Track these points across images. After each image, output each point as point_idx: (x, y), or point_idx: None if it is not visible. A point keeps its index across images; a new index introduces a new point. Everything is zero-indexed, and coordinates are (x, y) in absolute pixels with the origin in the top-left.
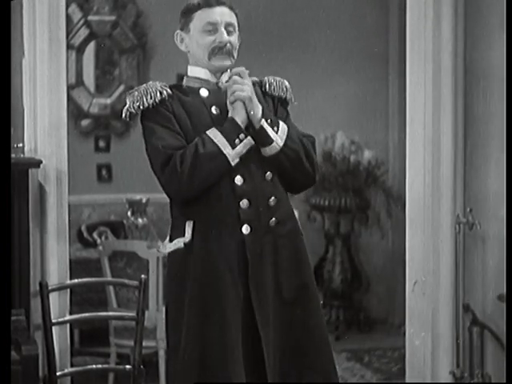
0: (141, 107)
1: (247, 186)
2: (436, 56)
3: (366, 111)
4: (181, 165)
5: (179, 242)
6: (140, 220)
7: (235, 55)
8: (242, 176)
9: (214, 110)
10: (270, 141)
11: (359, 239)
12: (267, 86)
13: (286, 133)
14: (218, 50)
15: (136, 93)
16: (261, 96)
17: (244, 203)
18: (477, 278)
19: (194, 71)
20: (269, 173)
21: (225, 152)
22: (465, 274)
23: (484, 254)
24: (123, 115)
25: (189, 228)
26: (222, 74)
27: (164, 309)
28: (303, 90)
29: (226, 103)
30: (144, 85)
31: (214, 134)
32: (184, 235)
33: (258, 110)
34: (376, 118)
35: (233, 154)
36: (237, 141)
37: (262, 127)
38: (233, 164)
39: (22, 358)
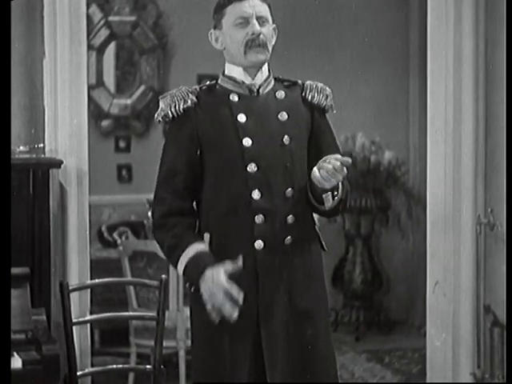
0: (166, 119)
1: (264, 202)
2: (457, 56)
3: (387, 111)
4: (152, 231)
5: None
6: None
7: (270, 48)
8: (260, 191)
9: (239, 117)
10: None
11: (380, 240)
12: (308, 91)
13: (343, 200)
14: (252, 43)
15: (163, 101)
16: (301, 104)
17: (259, 218)
18: (498, 279)
19: (230, 69)
20: (290, 189)
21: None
22: (486, 275)
23: (505, 255)
24: (155, 119)
25: (205, 240)
26: (258, 71)
27: (188, 309)
28: None
29: (255, 108)
30: (174, 91)
31: (182, 260)
32: None
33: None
34: (396, 118)
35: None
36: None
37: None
38: None
39: (42, 357)
